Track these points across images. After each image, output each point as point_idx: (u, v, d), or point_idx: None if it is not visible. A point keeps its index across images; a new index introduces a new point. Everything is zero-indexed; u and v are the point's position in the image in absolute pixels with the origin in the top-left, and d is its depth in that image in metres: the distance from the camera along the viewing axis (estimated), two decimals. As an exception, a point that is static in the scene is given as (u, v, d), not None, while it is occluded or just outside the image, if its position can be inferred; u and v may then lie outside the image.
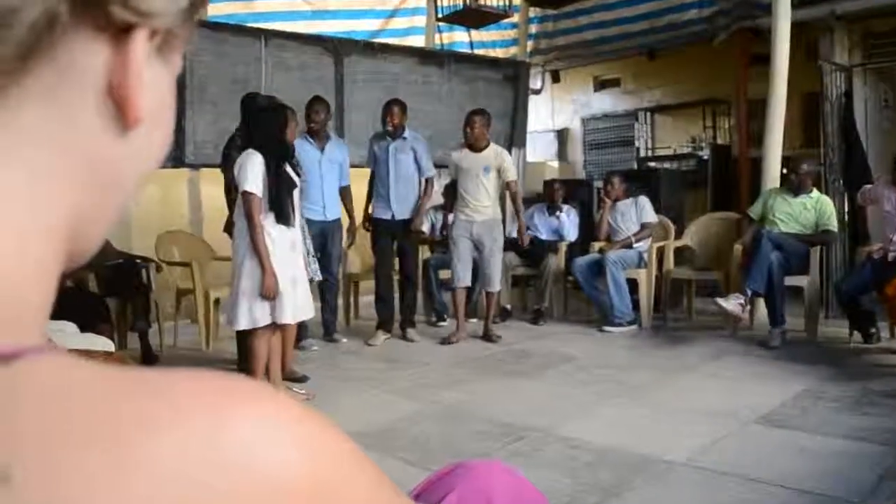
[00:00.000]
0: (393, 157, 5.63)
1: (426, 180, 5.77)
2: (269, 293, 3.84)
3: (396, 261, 5.86)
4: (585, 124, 10.08)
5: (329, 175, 5.54)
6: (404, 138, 5.69)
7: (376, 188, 5.74)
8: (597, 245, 6.53)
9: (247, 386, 0.35)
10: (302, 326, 5.15)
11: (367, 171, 5.86)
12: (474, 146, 5.65)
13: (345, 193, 5.71)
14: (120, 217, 0.43)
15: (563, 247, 6.75)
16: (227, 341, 5.26)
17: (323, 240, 5.55)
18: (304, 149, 5.50)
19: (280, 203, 3.91)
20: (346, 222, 5.73)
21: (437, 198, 7.45)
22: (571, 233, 6.90)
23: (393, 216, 5.66)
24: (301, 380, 4.47)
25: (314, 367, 4.93)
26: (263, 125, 3.99)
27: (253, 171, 3.86)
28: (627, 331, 5.99)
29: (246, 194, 3.84)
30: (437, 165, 7.67)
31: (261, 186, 3.87)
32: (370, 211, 5.83)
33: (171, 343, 5.58)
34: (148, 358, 4.95)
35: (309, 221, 5.06)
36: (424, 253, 6.79)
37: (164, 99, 0.42)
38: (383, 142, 5.69)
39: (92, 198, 0.39)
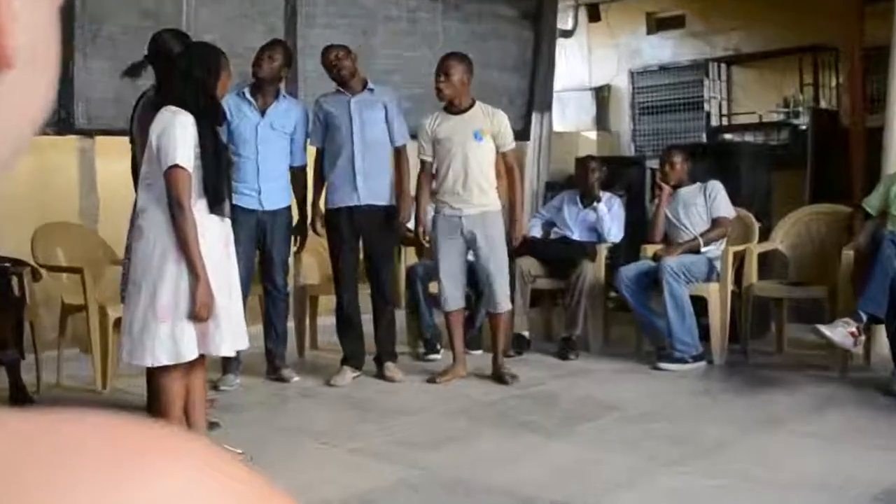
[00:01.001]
0: (357, 117, 5.66)
1: (396, 149, 5.80)
2: (203, 313, 3.82)
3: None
4: (635, 80, 10.08)
5: (272, 148, 5.57)
6: (370, 90, 5.73)
7: (329, 168, 5.75)
8: (650, 249, 6.53)
9: (170, 441, 0.36)
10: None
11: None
12: (454, 105, 5.65)
13: (297, 177, 5.74)
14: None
15: (602, 251, 6.75)
16: (131, 378, 5.24)
17: (260, 238, 5.56)
18: (239, 109, 5.50)
19: (216, 184, 3.90)
20: (296, 217, 5.76)
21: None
22: (614, 231, 6.90)
23: (359, 202, 5.67)
24: (212, 427, 4.47)
25: (253, 415, 4.90)
26: (186, 73, 3.99)
27: (183, 136, 3.85)
28: (692, 369, 5.99)
29: (175, 170, 3.82)
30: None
31: (192, 159, 3.87)
32: (319, 203, 5.84)
33: (52, 380, 5.55)
34: (19, 400, 4.92)
35: (238, 211, 5.07)
36: (410, 257, 6.77)
37: (44, 33, 0.42)
38: (339, 98, 5.71)
39: None
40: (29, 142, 0.43)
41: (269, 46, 5.62)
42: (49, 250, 5.69)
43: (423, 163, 5.79)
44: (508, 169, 5.77)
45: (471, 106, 5.67)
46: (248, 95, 5.57)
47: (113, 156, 6.03)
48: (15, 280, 5.25)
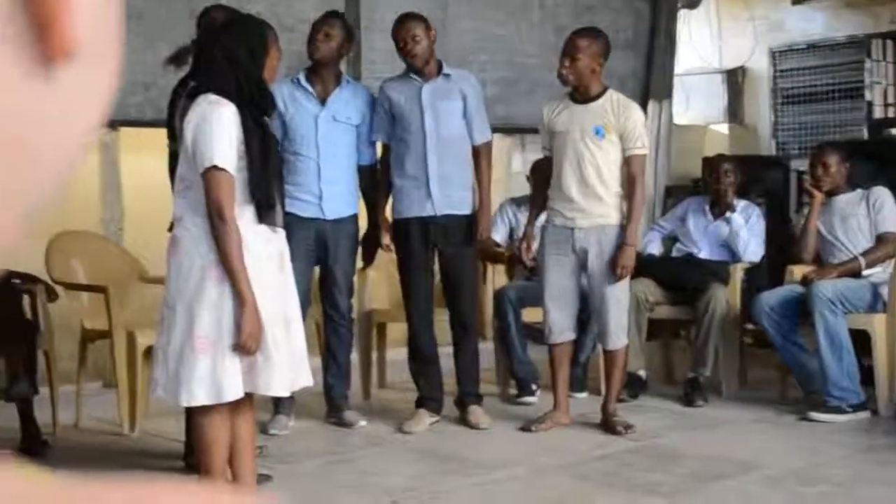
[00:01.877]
0: (430, 108, 5.69)
1: (476, 149, 5.82)
2: (249, 344, 3.86)
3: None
4: (777, 61, 9.98)
5: (335, 144, 5.63)
6: (446, 76, 5.76)
7: (396, 170, 5.80)
8: (797, 270, 6.47)
9: None
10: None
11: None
12: (580, 92, 5.68)
13: (367, 177, 5.79)
14: (43, 213, 0.44)
15: (737, 272, 6.70)
16: (163, 419, 5.29)
17: (321, 253, 5.61)
18: (294, 99, 5.57)
19: (265, 188, 3.95)
20: (364, 226, 5.82)
21: (512, 184, 7.41)
22: (752, 248, 6.85)
23: (434, 212, 5.71)
24: (262, 480, 4.51)
25: (309, 466, 4.93)
26: (226, 53, 4.05)
27: (222, 132, 3.90)
28: (851, 420, 5.90)
29: (214, 172, 3.88)
30: (516, 130, 7.65)
31: (234, 160, 3.92)
32: (387, 212, 5.90)
33: (70, 420, 5.65)
34: (30, 443, 5.01)
35: (293, 221, 5.12)
36: (497, 278, 6.79)
37: (108, 18, 0.43)
38: (408, 85, 5.75)
39: None
40: (90, 142, 0.45)
41: (324, 21, 5.65)
42: (66, 265, 5.81)
43: (546, 159, 5.84)
44: (630, 178, 5.66)
45: (600, 94, 5.65)
46: (303, 82, 5.64)
47: (141, 151, 6.13)
48: (26, 300, 5.36)
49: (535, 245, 5.88)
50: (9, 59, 0.38)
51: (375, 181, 5.82)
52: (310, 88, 5.64)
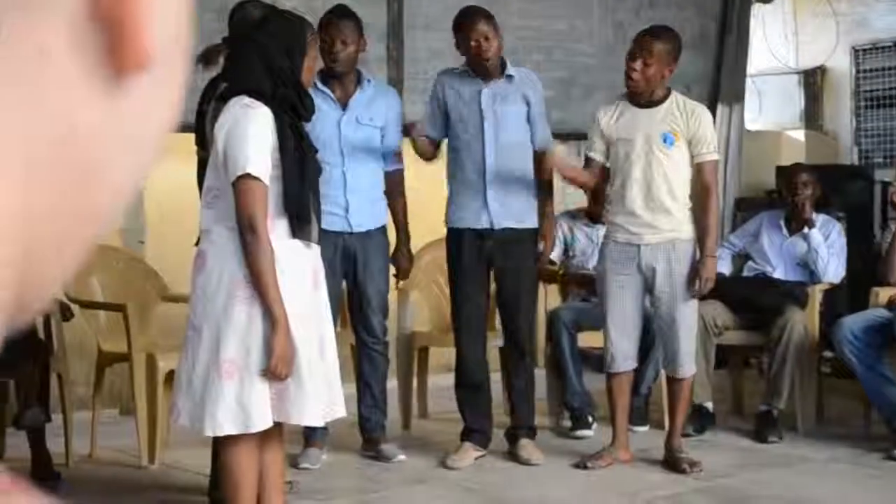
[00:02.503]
0: (490, 113, 5.67)
1: (538, 156, 5.79)
2: (280, 368, 3.85)
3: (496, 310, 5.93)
4: (859, 60, 9.90)
5: (359, 149, 5.65)
6: (509, 77, 5.72)
7: (451, 176, 5.80)
8: (883, 293, 6.41)
9: None
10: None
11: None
12: (643, 96, 5.63)
13: (394, 184, 5.80)
14: (106, 232, 0.46)
15: (816, 294, 6.63)
16: (185, 450, 5.30)
17: (348, 270, 5.61)
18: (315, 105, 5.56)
19: (301, 200, 3.95)
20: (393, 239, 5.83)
21: (566, 196, 7.35)
22: (832, 267, 6.79)
23: (491, 224, 5.69)
24: None
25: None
26: (261, 53, 4.05)
27: (257, 138, 3.90)
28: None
29: (247, 182, 3.87)
30: (572, 136, 7.59)
31: (269, 168, 3.91)
32: (446, 217, 5.89)
33: (85, 450, 5.66)
34: (42, 475, 5.00)
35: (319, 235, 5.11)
36: (550, 298, 6.76)
37: (178, 25, 0.44)
38: (467, 84, 5.74)
39: (54, 197, 0.41)
40: (158, 154, 0.46)
41: (336, 26, 5.54)
42: (82, 281, 5.82)
43: (587, 161, 5.79)
44: (703, 187, 5.64)
45: (664, 98, 5.63)
46: (321, 86, 5.59)
47: (165, 158, 6.13)
48: (39, 319, 5.36)
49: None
50: (79, 71, 0.40)
51: (402, 188, 5.82)
52: (329, 92, 5.62)
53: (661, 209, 5.58)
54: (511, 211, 5.69)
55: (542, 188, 5.82)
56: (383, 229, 5.77)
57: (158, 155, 0.47)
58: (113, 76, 0.41)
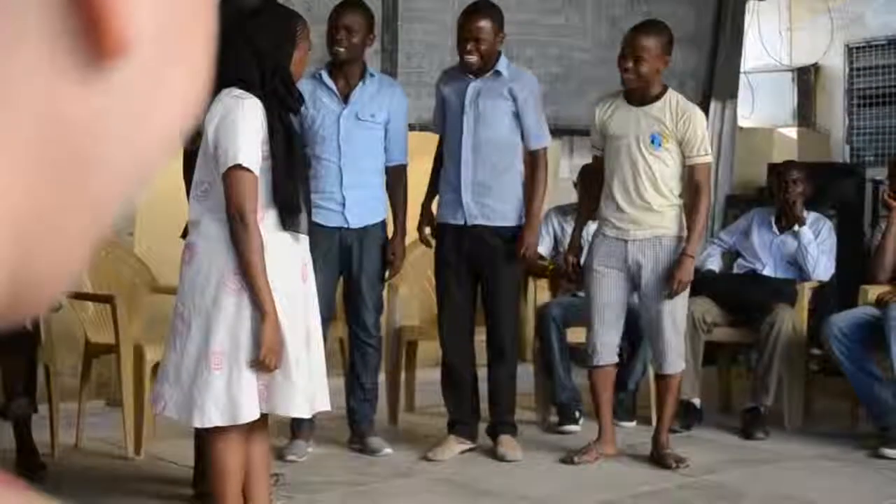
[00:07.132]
0: (471, 108, 5.67)
1: (531, 154, 5.79)
2: (269, 360, 3.87)
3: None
4: (853, 58, 9.89)
5: (358, 144, 5.64)
6: (497, 73, 5.72)
7: (443, 168, 5.84)
8: (872, 291, 6.42)
9: None
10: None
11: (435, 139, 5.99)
12: (638, 92, 5.65)
13: (395, 178, 5.80)
14: (107, 231, 0.44)
15: (805, 292, 6.66)
16: (172, 441, 5.31)
17: (344, 265, 5.61)
18: (316, 97, 5.57)
19: (290, 191, 3.96)
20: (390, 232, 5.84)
21: (558, 191, 7.37)
22: (822, 265, 6.81)
23: (465, 221, 5.70)
24: None
25: (330, 496, 4.93)
26: (250, 44, 4.04)
27: (247, 129, 3.91)
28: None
29: (237, 173, 3.88)
30: (564, 132, 7.61)
31: (259, 160, 3.92)
32: (433, 210, 5.92)
33: (71, 441, 5.67)
34: (27, 465, 5.01)
35: (315, 230, 5.10)
36: (540, 293, 6.78)
37: (183, 10, 0.42)
38: (458, 79, 5.76)
39: (45, 195, 0.40)
40: (164, 157, 0.44)
41: (343, 14, 5.59)
42: (70, 271, 5.83)
43: (595, 160, 5.84)
44: (694, 188, 5.61)
45: (659, 96, 5.63)
46: (325, 79, 5.62)
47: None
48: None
49: (582, 257, 5.86)
50: (54, 60, 0.38)
51: (404, 183, 5.81)
52: (332, 85, 5.63)
53: (645, 207, 5.60)
54: (485, 209, 5.69)
55: (530, 187, 5.76)
56: (381, 225, 5.77)
57: (170, 150, 0.45)
58: (92, 63, 0.39)
